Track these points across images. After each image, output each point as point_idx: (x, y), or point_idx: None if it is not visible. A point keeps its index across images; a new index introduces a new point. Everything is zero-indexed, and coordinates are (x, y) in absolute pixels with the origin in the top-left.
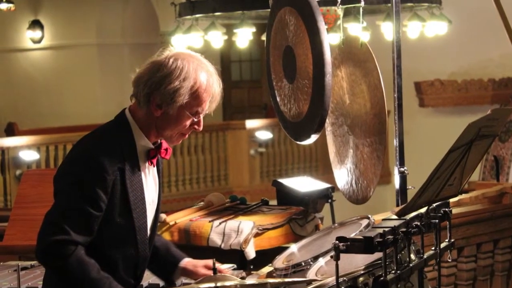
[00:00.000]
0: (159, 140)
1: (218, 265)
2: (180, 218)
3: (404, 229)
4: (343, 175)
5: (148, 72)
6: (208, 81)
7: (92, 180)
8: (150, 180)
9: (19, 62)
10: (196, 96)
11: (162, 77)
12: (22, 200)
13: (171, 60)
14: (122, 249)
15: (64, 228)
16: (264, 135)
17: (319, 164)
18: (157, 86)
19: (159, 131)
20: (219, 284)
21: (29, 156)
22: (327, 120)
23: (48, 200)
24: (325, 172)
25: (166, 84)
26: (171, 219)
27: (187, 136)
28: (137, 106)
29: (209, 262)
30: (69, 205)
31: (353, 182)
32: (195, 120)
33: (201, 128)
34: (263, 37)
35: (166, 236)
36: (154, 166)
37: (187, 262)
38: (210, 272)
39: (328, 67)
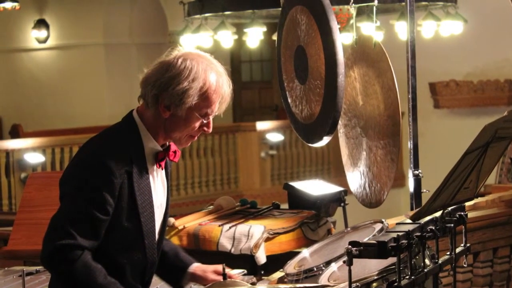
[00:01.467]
0: (167, 143)
1: (228, 271)
2: (189, 222)
3: (418, 234)
4: (356, 178)
5: (156, 73)
6: (218, 81)
7: (98, 183)
8: (158, 183)
9: (24, 63)
10: (205, 97)
11: (170, 78)
12: (27, 204)
13: (179, 61)
14: (129, 254)
15: (70, 232)
16: (275, 137)
17: (331, 167)
18: (166, 87)
19: (168, 133)
20: None
21: (34, 158)
22: (339, 121)
23: (53, 204)
24: (338, 175)
25: (174, 85)
26: (180, 223)
27: (196, 138)
28: (145, 108)
29: (219, 267)
30: (75, 209)
31: (366, 185)
32: (204, 121)
33: (210, 130)
34: (274, 37)
35: (175, 240)
36: (162, 169)
37: (196, 267)
38: (220, 278)
39: (341, 68)
